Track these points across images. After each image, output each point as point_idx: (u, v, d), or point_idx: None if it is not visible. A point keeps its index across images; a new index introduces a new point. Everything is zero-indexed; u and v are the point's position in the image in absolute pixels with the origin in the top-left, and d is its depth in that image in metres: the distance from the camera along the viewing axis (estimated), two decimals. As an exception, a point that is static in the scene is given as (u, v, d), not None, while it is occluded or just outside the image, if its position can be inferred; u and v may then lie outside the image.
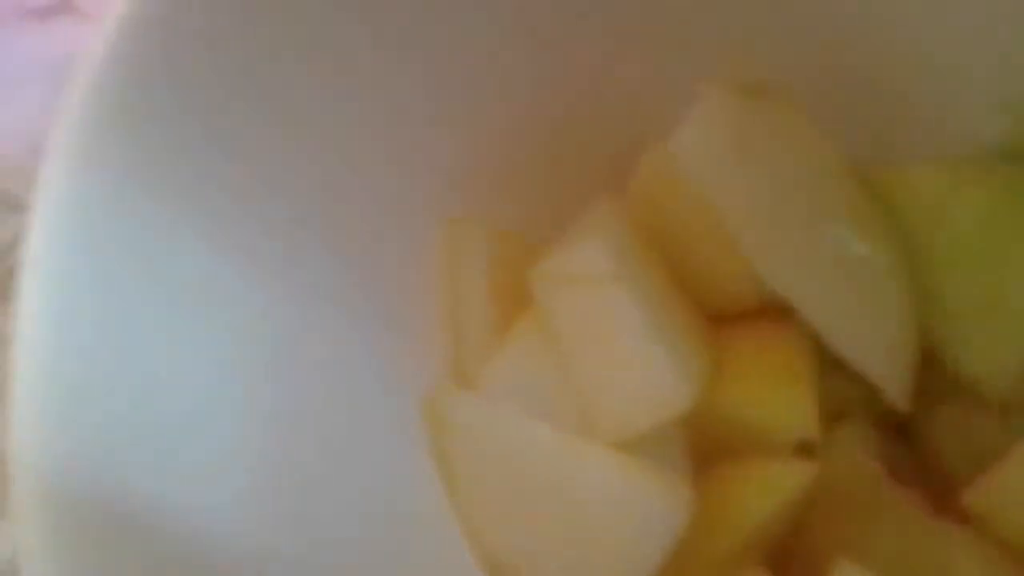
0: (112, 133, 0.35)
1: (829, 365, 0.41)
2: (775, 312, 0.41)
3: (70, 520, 0.31)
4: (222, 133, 0.38)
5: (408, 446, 0.40)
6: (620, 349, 0.38)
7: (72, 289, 0.34)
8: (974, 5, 0.41)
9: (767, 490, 0.39)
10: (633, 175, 0.44)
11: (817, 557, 0.39)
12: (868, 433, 0.42)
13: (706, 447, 0.41)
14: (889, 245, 0.41)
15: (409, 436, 0.40)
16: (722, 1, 0.44)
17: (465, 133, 0.44)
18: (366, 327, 0.41)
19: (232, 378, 0.37)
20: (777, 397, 0.40)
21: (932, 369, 0.42)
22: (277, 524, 0.36)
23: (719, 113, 0.40)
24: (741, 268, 0.41)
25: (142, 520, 0.33)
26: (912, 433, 0.44)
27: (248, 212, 0.39)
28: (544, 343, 0.40)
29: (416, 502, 0.39)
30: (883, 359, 0.40)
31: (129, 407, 0.34)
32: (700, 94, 0.40)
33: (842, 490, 0.40)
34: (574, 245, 0.41)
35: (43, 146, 0.34)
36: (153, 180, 0.36)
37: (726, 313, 0.43)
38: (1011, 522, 0.38)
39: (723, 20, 0.44)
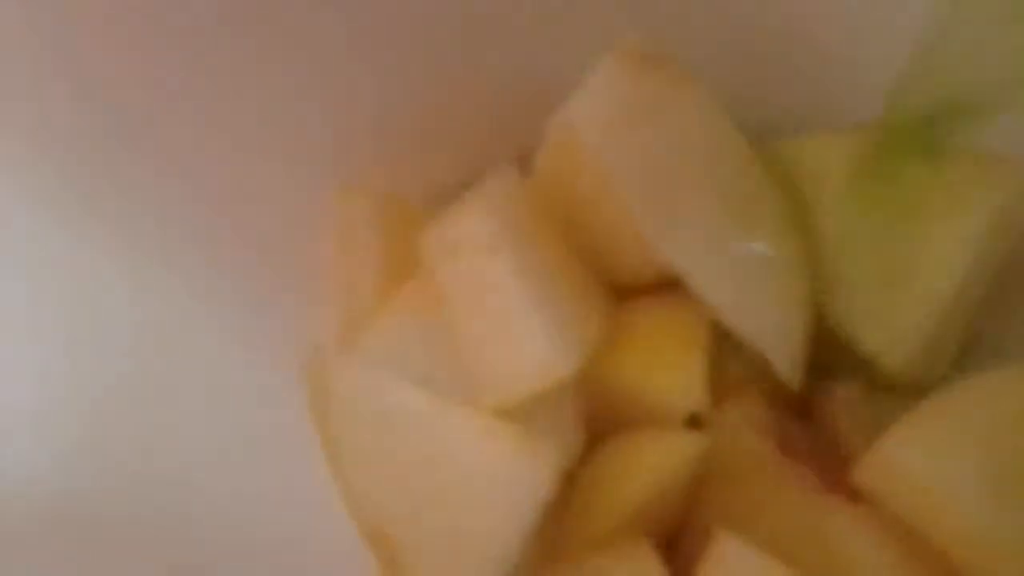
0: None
1: (727, 342, 0.41)
2: (674, 286, 0.41)
3: None
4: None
5: (292, 415, 0.40)
6: (500, 317, 0.38)
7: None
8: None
9: (656, 462, 0.38)
10: (538, 145, 0.44)
11: (706, 531, 0.38)
12: (761, 410, 0.41)
13: (600, 418, 0.41)
14: (781, 219, 0.41)
15: (294, 404, 0.40)
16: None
17: (362, 100, 0.43)
18: (252, 294, 0.41)
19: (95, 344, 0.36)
20: (669, 369, 0.40)
21: (829, 347, 0.42)
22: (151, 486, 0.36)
23: (613, 81, 0.40)
24: (639, 241, 0.40)
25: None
26: (810, 411, 0.44)
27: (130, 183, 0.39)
28: (428, 310, 0.40)
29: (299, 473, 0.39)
30: (774, 334, 0.40)
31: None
32: (596, 63, 0.40)
33: (731, 465, 0.40)
34: (460, 213, 0.40)
35: None
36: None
37: (626, 287, 0.43)
38: (898, 497, 0.37)
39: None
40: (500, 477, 0.36)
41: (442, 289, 0.39)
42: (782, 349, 0.40)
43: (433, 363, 0.39)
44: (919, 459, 0.36)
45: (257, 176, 0.41)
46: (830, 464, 0.41)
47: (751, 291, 0.40)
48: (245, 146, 0.41)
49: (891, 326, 0.40)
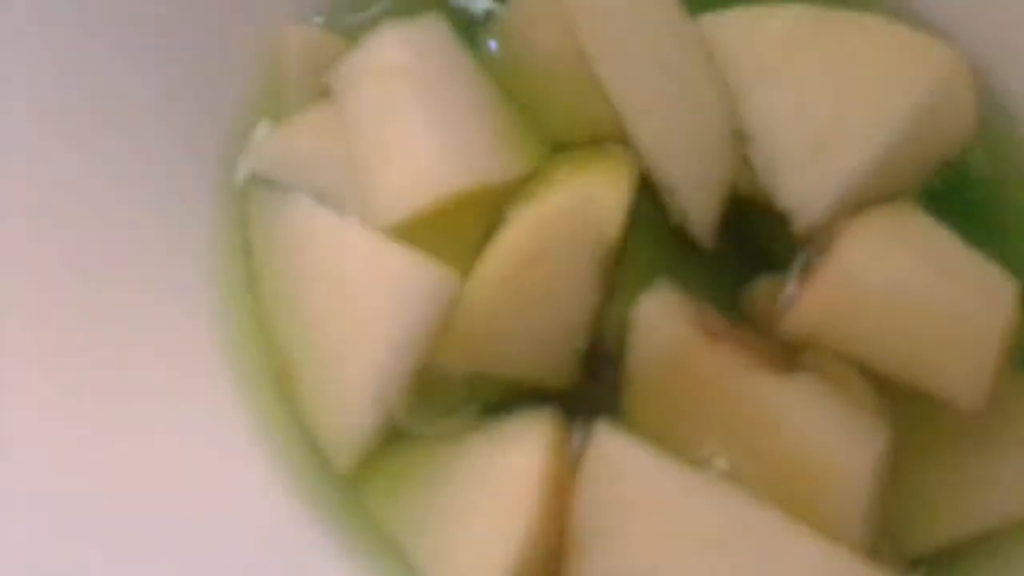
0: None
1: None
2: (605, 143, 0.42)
3: None
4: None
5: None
6: (393, 137, 0.38)
7: None
8: None
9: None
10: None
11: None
12: (679, 294, 0.40)
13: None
14: (714, 81, 0.42)
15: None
16: None
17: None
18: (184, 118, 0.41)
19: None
20: (588, 190, 0.39)
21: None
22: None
23: None
24: (582, 94, 0.41)
25: None
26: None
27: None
28: (333, 133, 0.40)
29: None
30: (694, 182, 0.40)
31: None
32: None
33: (663, 356, 0.38)
34: (377, 42, 0.41)
35: None
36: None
37: (561, 141, 0.43)
38: (836, 333, 0.38)
39: None
40: (381, 298, 0.36)
41: (346, 111, 0.40)
42: (699, 199, 0.40)
43: (332, 182, 0.39)
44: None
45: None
46: (755, 346, 0.40)
47: (678, 135, 0.40)
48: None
49: (806, 186, 0.41)
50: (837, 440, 0.35)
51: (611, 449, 0.35)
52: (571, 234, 0.38)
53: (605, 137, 0.41)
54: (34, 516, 0.32)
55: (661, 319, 0.37)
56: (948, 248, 0.39)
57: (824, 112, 0.41)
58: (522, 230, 0.38)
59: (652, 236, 0.41)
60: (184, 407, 0.37)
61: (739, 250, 0.42)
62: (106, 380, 0.36)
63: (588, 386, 0.39)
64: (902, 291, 0.37)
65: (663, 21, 0.42)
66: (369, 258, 0.37)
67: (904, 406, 0.38)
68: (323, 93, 0.42)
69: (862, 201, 0.41)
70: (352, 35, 0.43)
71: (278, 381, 0.39)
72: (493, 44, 0.44)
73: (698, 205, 0.41)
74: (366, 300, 0.36)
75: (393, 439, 0.37)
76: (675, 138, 0.41)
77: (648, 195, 0.41)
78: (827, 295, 0.37)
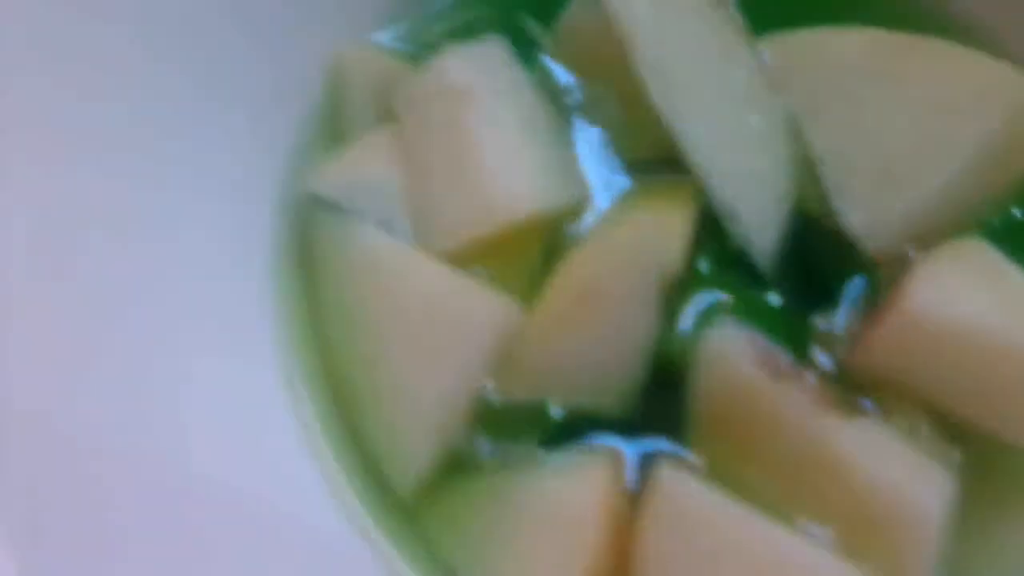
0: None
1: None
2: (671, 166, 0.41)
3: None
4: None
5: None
6: (457, 163, 0.38)
7: None
8: None
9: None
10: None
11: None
12: (743, 330, 0.38)
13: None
14: (774, 105, 0.41)
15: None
16: None
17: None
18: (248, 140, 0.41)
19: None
20: (651, 222, 0.39)
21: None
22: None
23: None
24: (650, 118, 0.41)
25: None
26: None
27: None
28: (398, 158, 0.40)
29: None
30: (757, 208, 0.39)
31: None
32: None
33: (728, 400, 0.37)
34: (441, 65, 0.41)
35: None
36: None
37: (632, 158, 0.43)
38: (903, 371, 0.37)
39: None
40: (447, 328, 0.36)
41: (409, 136, 0.40)
42: (759, 226, 0.40)
43: (393, 207, 0.39)
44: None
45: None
46: (819, 385, 0.38)
47: (736, 162, 0.40)
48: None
49: (876, 211, 0.40)
50: (905, 484, 0.35)
51: (678, 494, 0.35)
52: (632, 269, 0.37)
53: (667, 158, 0.41)
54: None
55: (726, 356, 0.37)
56: (1020, 287, 0.38)
57: (896, 138, 0.40)
58: (584, 265, 0.38)
59: (715, 261, 0.40)
60: (246, 430, 0.37)
61: (802, 278, 0.41)
62: (168, 390, 0.36)
63: (648, 412, 0.38)
64: (973, 332, 0.36)
65: (718, 45, 0.42)
66: (434, 288, 0.37)
67: (972, 449, 0.37)
68: (387, 115, 0.42)
69: (932, 229, 0.40)
70: (415, 56, 0.44)
71: (338, 405, 0.39)
72: (550, 62, 0.44)
73: (758, 232, 0.40)
74: (431, 329, 0.37)
75: (454, 467, 0.38)
76: (733, 165, 0.40)
77: (710, 220, 0.40)
78: (895, 334, 0.37)
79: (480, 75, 0.40)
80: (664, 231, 0.38)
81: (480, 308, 0.37)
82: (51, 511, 0.31)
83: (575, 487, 0.35)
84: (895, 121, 0.40)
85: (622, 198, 0.41)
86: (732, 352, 0.37)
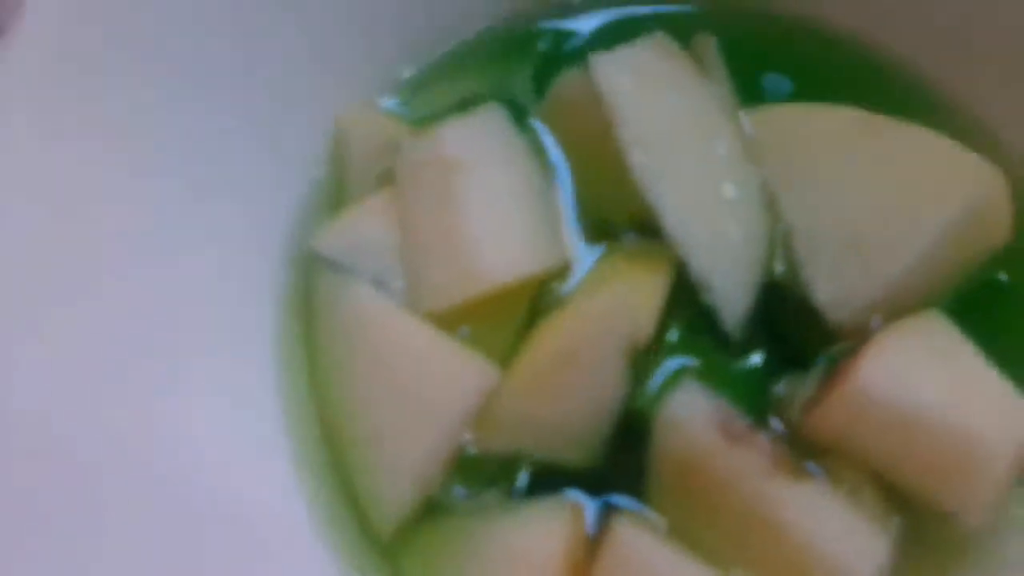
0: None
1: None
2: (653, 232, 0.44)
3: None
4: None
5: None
6: (446, 229, 0.42)
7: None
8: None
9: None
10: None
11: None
12: (704, 394, 0.41)
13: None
14: (751, 177, 0.44)
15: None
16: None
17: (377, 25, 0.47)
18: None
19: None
20: (625, 290, 0.42)
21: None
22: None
23: (642, 55, 0.45)
24: (630, 185, 0.43)
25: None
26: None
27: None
28: (392, 219, 0.43)
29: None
30: (728, 277, 0.42)
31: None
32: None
33: (679, 463, 0.40)
34: (431, 131, 0.44)
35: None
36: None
37: (607, 225, 0.46)
38: (852, 441, 0.40)
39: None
40: (430, 388, 0.40)
41: (405, 200, 0.43)
42: (730, 295, 0.42)
43: (388, 268, 0.43)
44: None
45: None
46: (774, 449, 0.41)
47: (711, 232, 0.43)
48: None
49: (842, 284, 0.43)
50: (840, 547, 0.38)
51: (629, 543, 0.38)
52: (604, 336, 0.40)
53: (645, 226, 0.44)
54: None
55: (684, 420, 0.40)
56: (970, 367, 0.41)
57: (865, 214, 0.43)
58: (559, 331, 0.41)
59: (686, 326, 0.43)
60: (240, 461, 0.41)
61: (769, 345, 0.44)
62: (167, 423, 0.39)
63: (614, 467, 0.41)
64: (916, 409, 0.39)
65: (700, 119, 0.45)
66: (421, 349, 0.41)
67: (913, 517, 0.40)
68: (387, 177, 0.45)
69: (895, 304, 0.43)
70: (417, 120, 0.47)
71: (328, 449, 0.43)
72: (540, 127, 0.47)
73: (729, 300, 0.43)
74: (416, 388, 0.40)
75: (432, 511, 0.41)
76: (707, 236, 0.43)
77: (684, 286, 0.43)
78: (844, 405, 0.40)
79: (474, 145, 0.44)
80: (637, 299, 0.41)
81: (462, 370, 0.40)
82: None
83: (539, 535, 0.38)
84: (864, 199, 0.43)
85: (600, 263, 0.44)
86: (690, 415, 0.40)
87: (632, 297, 0.41)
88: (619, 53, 0.45)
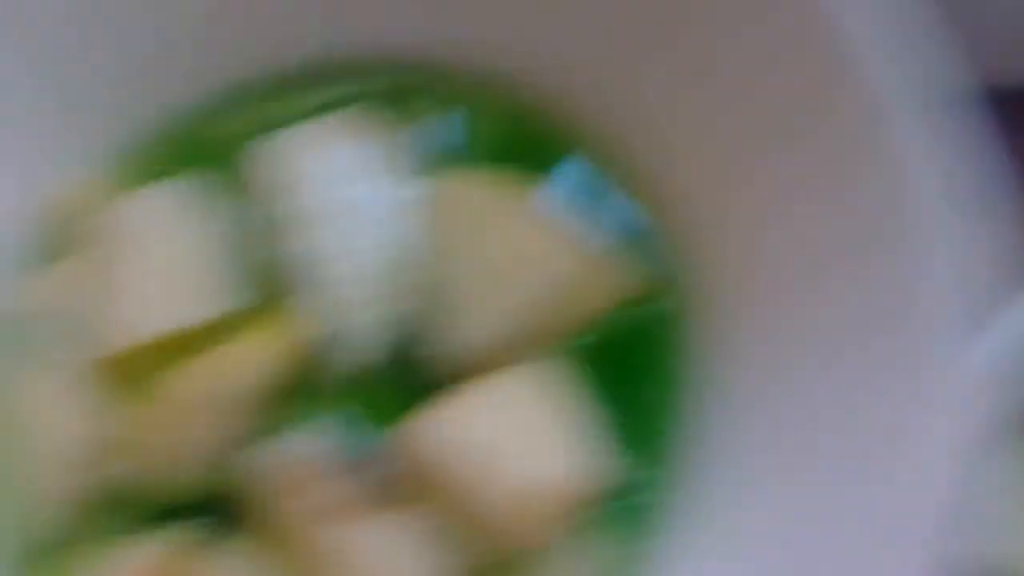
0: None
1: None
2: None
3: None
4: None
5: None
6: (106, 291, 0.47)
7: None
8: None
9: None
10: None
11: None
12: (303, 443, 0.46)
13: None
14: (399, 238, 0.49)
15: None
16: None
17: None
18: None
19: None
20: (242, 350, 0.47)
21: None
22: None
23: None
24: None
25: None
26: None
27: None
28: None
29: None
30: (363, 337, 0.48)
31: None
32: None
33: (269, 501, 0.45)
34: (116, 204, 0.50)
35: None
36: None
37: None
38: (428, 475, 0.45)
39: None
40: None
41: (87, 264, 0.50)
42: (364, 348, 0.48)
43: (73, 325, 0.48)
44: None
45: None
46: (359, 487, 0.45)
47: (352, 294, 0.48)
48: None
49: (454, 339, 0.48)
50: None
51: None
52: (214, 387, 0.46)
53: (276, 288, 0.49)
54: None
55: (274, 464, 0.45)
56: (540, 419, 0.46)
57: (477, 280, 0.48)
58: (175, 382, 0.46)
59: (315, 381, 0.48)
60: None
61: (395, 395, 0.48)
62: None
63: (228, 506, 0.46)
64: (475, 456, 0.44)
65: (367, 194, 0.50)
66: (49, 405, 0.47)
67: (488, 553, 0.45)
68: (85, 241, 0.50)
69: (497, 359, 0.47)
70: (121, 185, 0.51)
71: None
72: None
73: (360, 354, 0.48)
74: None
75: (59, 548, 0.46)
76: (343, 296, 0.48)
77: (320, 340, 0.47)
78: (416, 448, 0.45)
79: (147, 218, 0.49)
80: (251, 357, 0.46)
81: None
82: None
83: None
84: (479, 264, 0.48)
85: (228, 318, 0.48)
86: (277, 458, 0.45)
87: (245, 354, 0.46)
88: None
